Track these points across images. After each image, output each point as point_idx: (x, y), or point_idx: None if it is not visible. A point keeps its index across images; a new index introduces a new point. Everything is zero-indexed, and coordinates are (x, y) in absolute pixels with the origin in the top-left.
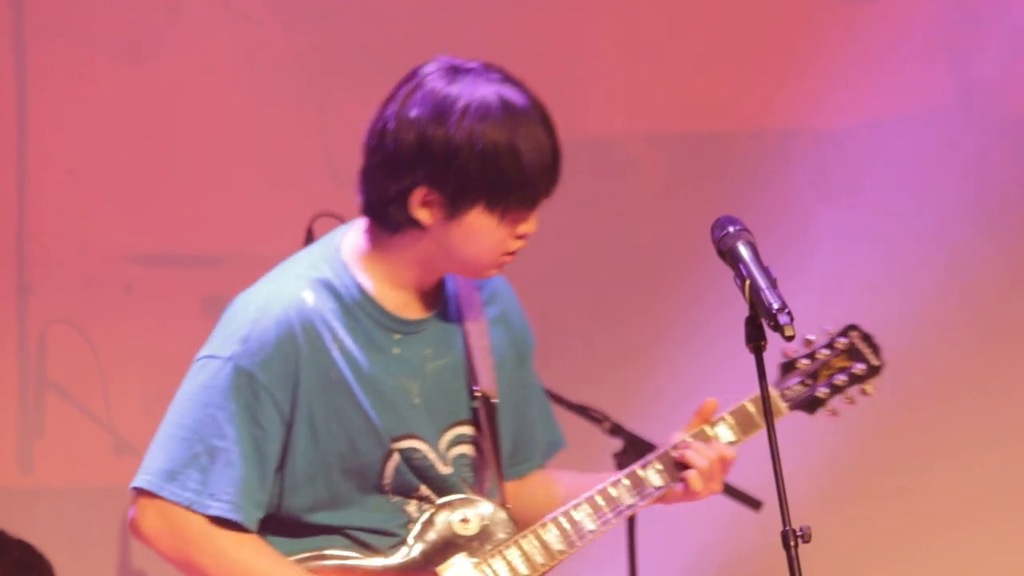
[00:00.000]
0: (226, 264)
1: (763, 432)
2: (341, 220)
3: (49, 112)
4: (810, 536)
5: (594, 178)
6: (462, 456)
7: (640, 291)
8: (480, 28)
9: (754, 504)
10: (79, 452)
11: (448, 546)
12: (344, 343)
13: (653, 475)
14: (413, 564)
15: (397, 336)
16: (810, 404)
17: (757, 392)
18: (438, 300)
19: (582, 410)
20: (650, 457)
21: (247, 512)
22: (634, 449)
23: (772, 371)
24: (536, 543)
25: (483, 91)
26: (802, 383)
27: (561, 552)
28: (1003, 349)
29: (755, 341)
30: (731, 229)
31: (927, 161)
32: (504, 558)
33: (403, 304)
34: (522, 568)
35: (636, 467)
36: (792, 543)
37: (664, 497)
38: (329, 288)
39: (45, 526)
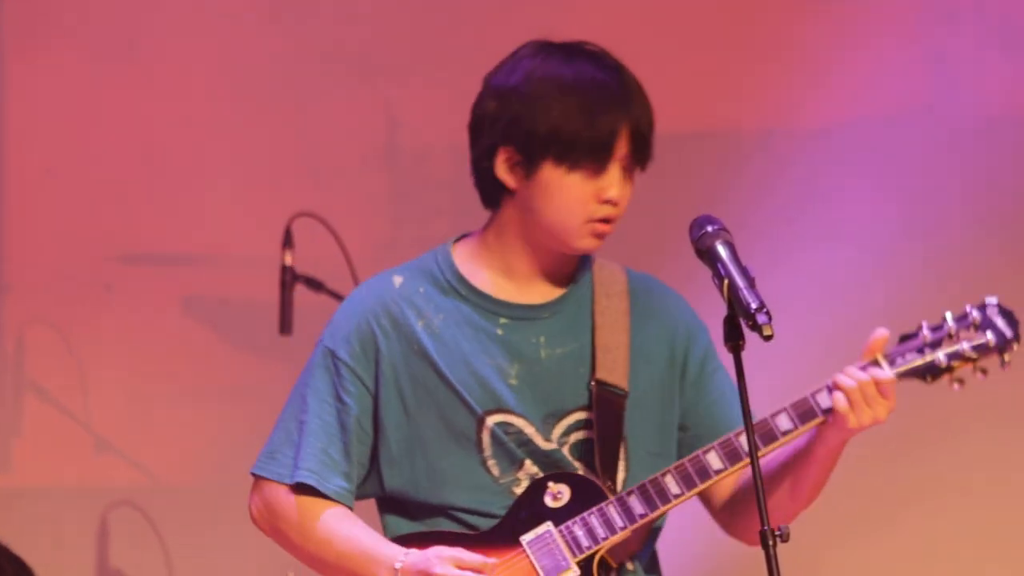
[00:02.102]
0: (205, 263)
1: None
2: (320, 220)
3: (26, 111)
4: (788, 535)
5: None
6: (581, 441)
7: None
8: (460, 27)
9: None
10: (57, 451)
11: (538, 517)
12: (431, 321)
13: (783, 420)
14: (501, 534)
15: (503, 320)
16: (926, 372)
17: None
18: (565, 289)
19: None
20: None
21: (330, 481)
22: None
23: (892, 340)
24: (618, 507)
25: (563, 61)
26: (919, 351)
27: (642, 515)
28: None
29: (733, 340)
30: (709, 228)
31: (907, 159)
32: (585, 523)
33: (517, 290)
34: (600, 530)
35: (766, 417)
36: (770, 542)
37: (820, 436)
38: (425, 273)
39: (23, 525)
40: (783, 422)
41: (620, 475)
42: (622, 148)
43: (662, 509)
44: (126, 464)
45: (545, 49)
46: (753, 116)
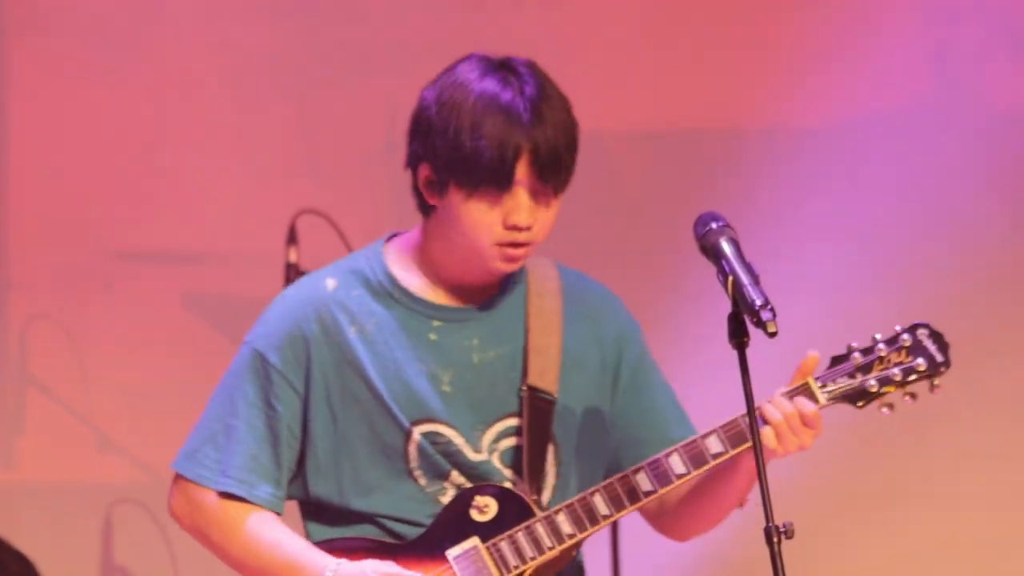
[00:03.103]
0: (207, 261)
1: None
2: (324, 217)
3: (30, 108)
4: (793, 532)
5: (576, 174)
6: (511, 448)
7: (621, 288)
8: (460, 26)
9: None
10: (61, 448)
11: (463, 531)
12: (364, 327)
13: (714, 442)
14: (426, 546)
15: (436, 323)
16: (856, 397)
17: (798, 382)
18: (498, 291)
19: None
20: (715, 427)
21: (258, 488)
22: None
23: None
24: (546, 527)
25: (478, 80)
26: (850, 375)
27: (570, 535)
28: (992, 346)
29: (738, 338)
30: (713, 225)
31: (907, 158)
32: (513, 541)
33: (450, 293)
34: (528, 550)
35: (696, 437)
36: (775, 539)
37: (740, 463)
38: (357, 276)
39: (27, 522)
40: (713, 444)
41: (549, 484)
42: (524, 173)
43: (591, 530)
44: (130, 461)
45: (468, 67)
46: (757, 114)
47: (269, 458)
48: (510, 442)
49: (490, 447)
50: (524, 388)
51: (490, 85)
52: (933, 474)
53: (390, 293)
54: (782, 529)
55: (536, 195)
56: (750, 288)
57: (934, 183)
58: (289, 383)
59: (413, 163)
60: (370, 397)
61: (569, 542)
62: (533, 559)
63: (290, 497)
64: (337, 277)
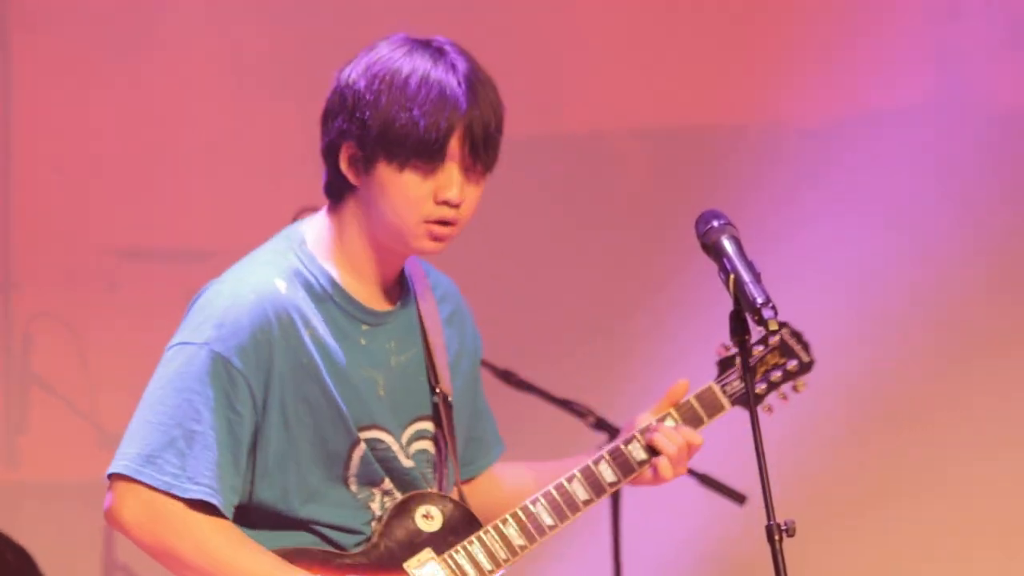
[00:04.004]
0: (211, 259)
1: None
2: None
3: (34, 108)
4: (794, 530)
5: (577, 171)
6: (423, 451)
7: (623, 285)
8: (463, 24)
9: (738, 498)
10: (64, 447)
11: (412, 542)
12: (316, 331)
13: (605, 469)
14: (380, 559)
15: (364, 327)
16: (748, 399)
17: (701, 387)
18: (400, 294)
19: (566, 404)
20: (607, 448)
21: (225, 497)
22: None
23: (711, 368)
24: (497, 538)
25: (407, 58)
26: (740, 379)
27: (522, 547)
28: (992, 345)
29: (739, 335)
30: (715, 223)
31: (911, 157)
32: (467, 553)
33: (369, 295)
34: (485, 563)
35: (590, 460)
36: (776, 537)
37: (634, 481)
38: (299, 277)
39: (30, 520)
40: (607, 473)
41: (452, 486)
42: (456, 148)
43: (540, 541)
44: None
45: (392, 44)
46: (760, 112)
47: (232, 466)
48: (420, 445)
49: (406, 449)
50: (438, 393)
51: (421, 61)
52: (934, 471)
53: (331, 296)
54: (784, 527)
55: (467, 172)
56: (751, 286)
57: (936, 180)
58: (250, 388)
59: (335, 142)
60: (323, 402)
61: (521, 554)
62: (490, 572)
63: None
64: (283, 278)
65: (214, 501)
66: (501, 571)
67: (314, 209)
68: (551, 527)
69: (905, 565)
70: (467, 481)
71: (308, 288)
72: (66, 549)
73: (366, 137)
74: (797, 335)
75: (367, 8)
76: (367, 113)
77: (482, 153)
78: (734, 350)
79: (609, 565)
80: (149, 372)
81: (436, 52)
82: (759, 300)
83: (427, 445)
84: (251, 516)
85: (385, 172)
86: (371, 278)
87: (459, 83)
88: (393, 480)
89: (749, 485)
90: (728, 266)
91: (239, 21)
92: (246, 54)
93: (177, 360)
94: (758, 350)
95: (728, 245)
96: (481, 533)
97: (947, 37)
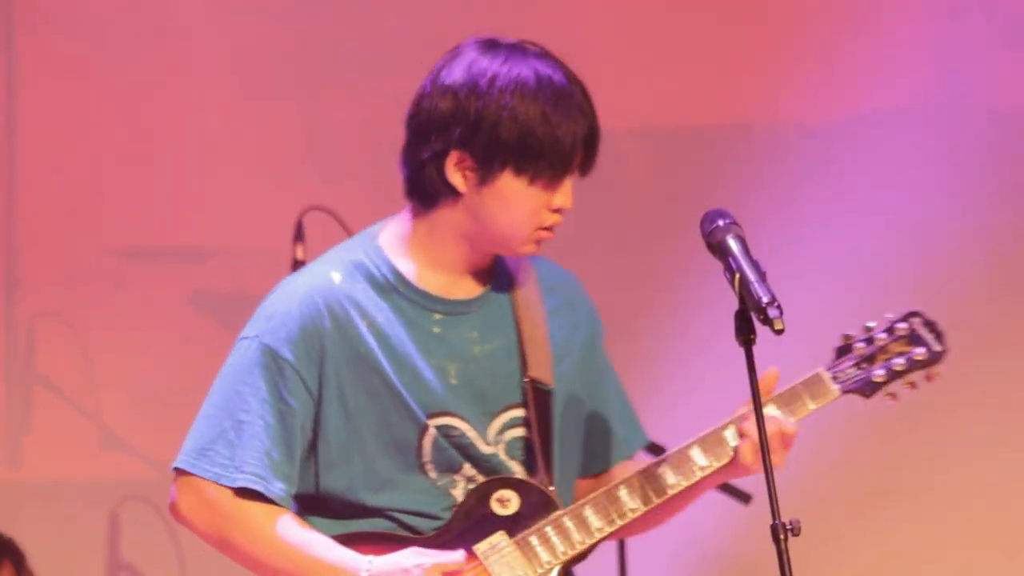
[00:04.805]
0: (214, 259)
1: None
2: (331, 214)
3: (37, 108)
4: (799, 529)
5: None
6: (517, 439)
7: (624, 285)
8: (467, 23)
9: (743, 497)
10: (67, 446)
11: (486, 525)
12: (374, 320)
13: (697, 454)
14: (450, 541)
15: (438, 316)
16: (865, 388)
17: (809, 373)
18: (487, 284)
19: None
20: (700, 435)
21: (274, 484)
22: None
23: (828, 354)
24: (574, 521)
25: (519, 63)
26: (856, 366)
27: (599, 529)
28: (992, 344)
29: (745, 335)
30: (720, 222)
31: (911, 157)
32: (541, 535)
33: (447, 285)
34: (559, 545)
35: (683, 445)
36: (782, 536)
37: (718, 473)
38: (360, 269)
39: (34, 519)
40: (698, 458)
41: (556, 475)
42: (579, 158)
43: (620, 524)
44: (136, 459)
45: (494, 48)
46: (761, 112)
47: (282, 454)
48: (515, 433)
49: (495, 439)
50: (527, 380)
51: (541, 68)
52: (937, 471)
53: (394, 287)
54: (789, 527)
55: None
56: (757, 285)
57: (936, 180)
58: (302, 379)
59: (439, 153)
60: (385, 391)
61: (599, 537)
62: (565, 554)
63: (295, 493)
64: (340, 270)
65: (259, 488)
66: (574, 552)
67: (323, 209)
68: (633, 510)
69: (908, 564)
70: (597, 475)
71: (370, 279)
72: (69, 549)
73: (493, 149)
74: (931, 324)
75: (367, 8)
76: (499, 125)
77: (592, 160)
78: (858, 337)
79: (614, 564)
80: (152, 371)
81: (544, 57)
82: (765, 299)
83: (520, 432)
84: (321, 506)
85: (510, 183)
86: (452, 270)
87: (580, 90)
88: (475, 466)
89: (754, 484)
90: (734, 265)
91: (241, 22)
92: (247, 54)
93: (234, 355)
94: (881, 338)
95: (733, 244)
96: (558, 516)
97: (947, 37)
